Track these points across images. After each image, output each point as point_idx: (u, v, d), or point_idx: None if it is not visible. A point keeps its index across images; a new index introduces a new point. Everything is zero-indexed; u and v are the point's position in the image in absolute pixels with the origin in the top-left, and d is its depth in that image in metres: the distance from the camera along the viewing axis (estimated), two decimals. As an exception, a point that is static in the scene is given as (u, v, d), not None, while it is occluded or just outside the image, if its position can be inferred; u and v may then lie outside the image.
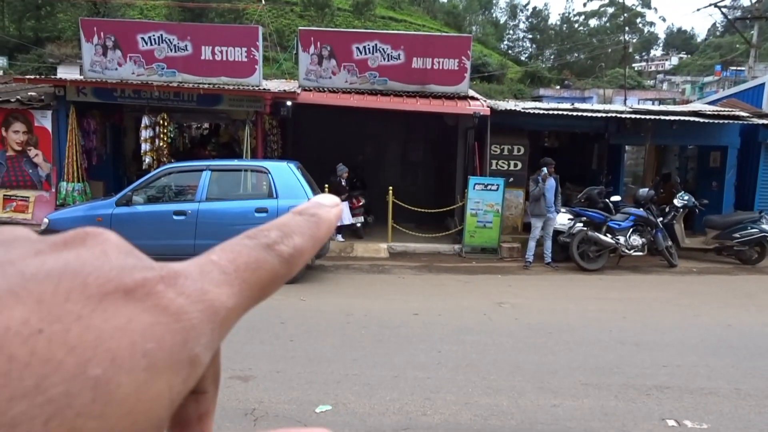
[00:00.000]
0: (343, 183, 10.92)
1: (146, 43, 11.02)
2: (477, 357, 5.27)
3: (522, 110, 11.52)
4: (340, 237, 10.93)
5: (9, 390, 0.20)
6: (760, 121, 11.73)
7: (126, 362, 0.22)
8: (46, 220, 8.38)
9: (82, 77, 11.37)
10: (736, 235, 10.68)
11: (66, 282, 0.22)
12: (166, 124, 10.79)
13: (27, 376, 0.20)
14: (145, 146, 10.78)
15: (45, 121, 11.04)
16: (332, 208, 0.32)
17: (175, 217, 8.09)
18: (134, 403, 0.22)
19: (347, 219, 10.90)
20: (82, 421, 0.20)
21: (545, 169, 9.91)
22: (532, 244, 10.10)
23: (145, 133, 10.74)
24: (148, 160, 10.75)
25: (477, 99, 11.92)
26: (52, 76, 14.99)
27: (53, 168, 11.06)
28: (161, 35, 11.02)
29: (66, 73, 17.48)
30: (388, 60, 11.69)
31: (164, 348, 0.23)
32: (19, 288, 0.22)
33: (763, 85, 13.41)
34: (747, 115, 11.90)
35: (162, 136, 10.78)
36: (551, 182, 9.95)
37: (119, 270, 0.24)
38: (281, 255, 0.28)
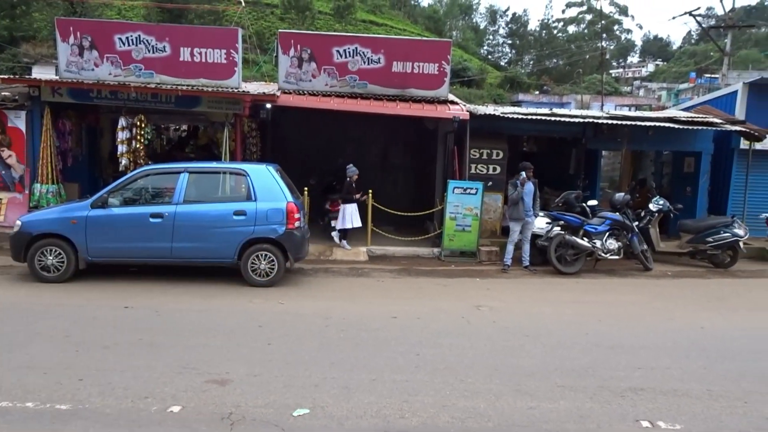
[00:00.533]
0: (353, 185, 10.84)
1: (123, 44, 10.88)
2: (455, 360, 5.29)
3: (501, 115, 11.61)
4: (346, 244, 10.86)
5: None
6: (733, 128, 11.98)
7: None
8: (18, 223, 8.21)
9: (57, 77, 11.18)
10: (710, 239, 10.89)
11: None
12: (143, 125, 10.66)
13: None
14: (121, 148, 10.63)
15: (18, 121, 10.83)
16: None
17: (151, 220, 7.99)
18: None
19: (357, 222, 10.82)
20: None
21: (524, 173, 10.01)
22: (510, 248, 10.17)
23: (121, 135, 10.59)
24: (124, 161, 10.60)
25: (457, 103, 11.99)
26: (27, 76, 14.74)
27: (26, 169, 10.85)
28: (139, 36, 10.89)
29: (41, 73, 17.21)
30: (368, 63, 11.69)
31: None
32: None
33: (735, 92, 13.70)
34: (720, 121, 12.14)
35: (139, 137, 10.63)
36: (529, 186, 10.05)
37: None
38: None
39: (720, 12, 27.86)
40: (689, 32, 72.33)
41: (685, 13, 23.78)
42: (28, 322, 6.13)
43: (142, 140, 10.68)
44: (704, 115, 12.68)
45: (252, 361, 5.05)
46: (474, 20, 70.99)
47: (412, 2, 62.06)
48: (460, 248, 10.92)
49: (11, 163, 10.89)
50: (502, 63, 63.21)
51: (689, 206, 12.54)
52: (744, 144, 12.71)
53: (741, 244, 10.85)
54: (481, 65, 47.14)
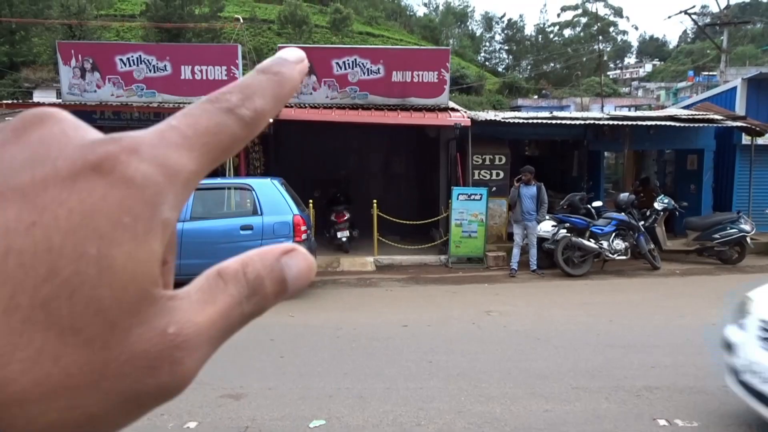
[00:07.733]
0: None
1: (125, 65, 10.99)
2: (468, 366, 5.29)
3: (502, 120, 11.64)
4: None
5: (31, 279, 0.22)
6: (735, 124, 11.99)
7: (112, 237, 0.24)
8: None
9: (59, 101, 11.28)
10: (716, 236, 10.86)
11: (39, 170, 0.24)
12: (147, 144, 10.72)
13: (39, 265, 0.22)
14: (126, 168, 10.70)
15: (23, 145, 10.91)
16: (297, 64, 0.31)
17: (159, 238, 8.01)
18: (132, 269, 0.24)
19: None
20: (97, 291, 0.23)
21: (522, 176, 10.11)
22: (516, 252, 10.16)
23: (126, 155, 10.66)
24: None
25: (457, 110, 12.03)
26: (29, 101, 14.85)
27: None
28: (140, 56, 11.00)
29: (42, 97, 17.34)
30: (368, 74, 11.77)
31: (139, 218, 0.24)
32: (2, 186, 0.23)
33: (735, 88, 13.72)
34: (721, 118, 12.15)
35: (143, 156, 10.70)
36: (530, 190, 10.04)
37: (82, 147, 0.25)
38: (242, 119, 0.28)
39: (715, 9, 27.97)
40: (685, 31, 72.62)
41: (681, 12, 23.86)
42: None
43: (147, 159, 10.74)
44: (705, 113, 12.69)
45: (266, 375, 5.06)
46: (470, 27, 71.45)
47: (408, 12, 62.47)
48: (467, 255, 10.92)
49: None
50: (500, 69, 63.49)
51: (694, 204, 12.52)
52: (746, 140, 12.71)
53: (748, 239, 10.83)
54: (479, 72, 47.32)
